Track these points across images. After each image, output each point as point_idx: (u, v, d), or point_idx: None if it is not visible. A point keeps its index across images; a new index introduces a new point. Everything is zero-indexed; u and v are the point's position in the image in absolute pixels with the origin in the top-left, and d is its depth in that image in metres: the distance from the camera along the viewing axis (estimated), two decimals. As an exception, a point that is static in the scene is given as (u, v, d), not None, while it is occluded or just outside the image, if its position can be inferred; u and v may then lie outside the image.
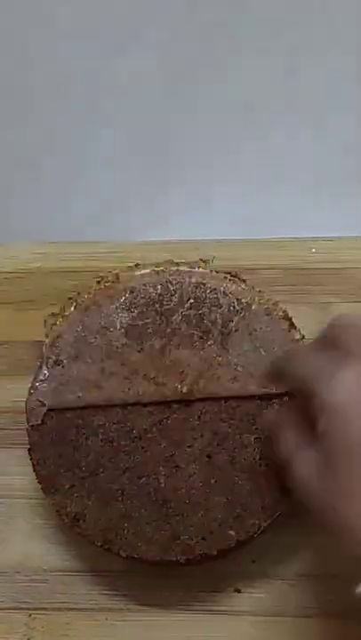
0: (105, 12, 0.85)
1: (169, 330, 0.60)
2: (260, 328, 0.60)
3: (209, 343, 0.60)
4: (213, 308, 0.61)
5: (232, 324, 0.60)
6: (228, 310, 0.61)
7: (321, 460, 0.45)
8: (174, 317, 0.61)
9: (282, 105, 0.80)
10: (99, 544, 0.56)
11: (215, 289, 0.61)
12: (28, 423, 0.59)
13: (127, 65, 0.83)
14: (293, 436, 0.49)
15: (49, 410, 0.59)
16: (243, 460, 0.57)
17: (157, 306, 0.61)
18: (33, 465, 0.58)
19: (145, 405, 0.58)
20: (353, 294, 0.68)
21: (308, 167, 0.77)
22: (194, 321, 0.60)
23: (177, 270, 0.62)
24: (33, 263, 0.71)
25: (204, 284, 0.61)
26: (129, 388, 0.58)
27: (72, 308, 0.61)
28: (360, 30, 0.82)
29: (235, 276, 0.62)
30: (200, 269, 0.62)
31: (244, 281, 0.62)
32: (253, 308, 0.61)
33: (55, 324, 0.61)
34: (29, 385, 0.60)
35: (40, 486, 0.58)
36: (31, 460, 0.58)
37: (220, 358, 0.59)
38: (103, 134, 0.80)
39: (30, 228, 0.76)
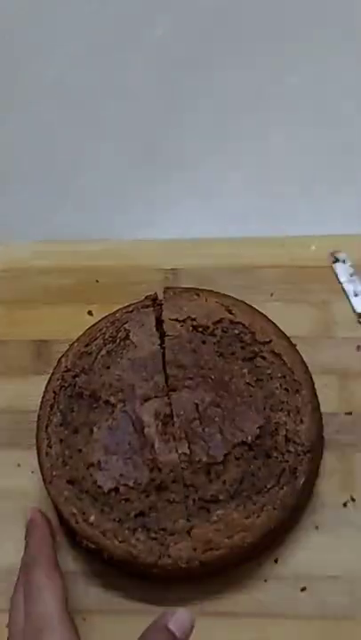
0: (103, 11, 0.84)
1: None
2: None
3: None
4: None
5: None
6: None
7: None
8: None
9: (282, 103, 0.79)
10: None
11: None
12: None
13: (126, 63, 0.82)
14: None
15: None
16: None
17: None
18: None
19: None
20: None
21: (307, 165, 0.76)
22: None
23: None
24: (30, 261, 0.71)
25: None
26: None
27: None
28: (360, 30, 0.82)
29: None
30: None
31: None
32: None
33: None
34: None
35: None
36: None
37: None
38: (102, 133, 0.80)
39: (27, 227, 0.76)
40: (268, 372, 0.60)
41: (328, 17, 0.82)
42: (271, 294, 0.68)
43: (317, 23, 0.81)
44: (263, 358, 0.60)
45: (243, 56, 0.81)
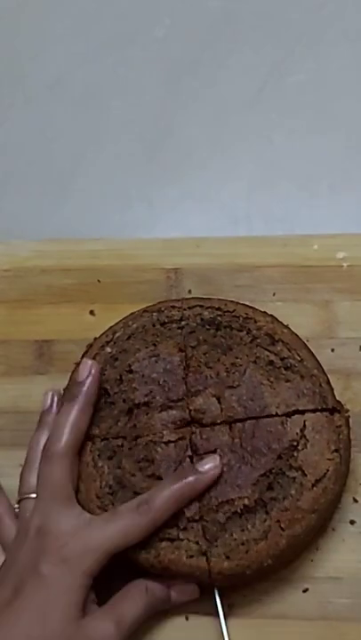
0: (104, 8, 0.84)
1: None
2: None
3: None
4: None
5: None
6: None
7: None
8: None
9: (283, 103, 0.79)
10: None
11: None
12: None
13: (127, 63, 0.82)
14: None
15: None
16: None
17: None
18: None
19: None
20: (355, 292, 0.67)
21: (309, 163, 0.76)
22: None
23: None
24: (31, 261, 0.70)
25: None
26: None
27: None
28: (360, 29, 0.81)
29: None
30: None
31: None
32: None
33: None
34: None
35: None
36: None
37: None
38: (103, 132, 0.80)
39: (28, 227, 0.75)
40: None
41: (329, 17, 0.81)
42: (273, 294, 0.67)
43: (318, 23, 0.81)
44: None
45: (244, 56, 0.80)
